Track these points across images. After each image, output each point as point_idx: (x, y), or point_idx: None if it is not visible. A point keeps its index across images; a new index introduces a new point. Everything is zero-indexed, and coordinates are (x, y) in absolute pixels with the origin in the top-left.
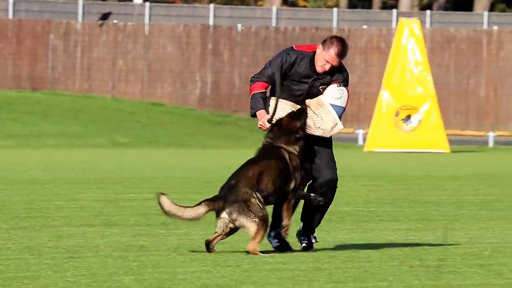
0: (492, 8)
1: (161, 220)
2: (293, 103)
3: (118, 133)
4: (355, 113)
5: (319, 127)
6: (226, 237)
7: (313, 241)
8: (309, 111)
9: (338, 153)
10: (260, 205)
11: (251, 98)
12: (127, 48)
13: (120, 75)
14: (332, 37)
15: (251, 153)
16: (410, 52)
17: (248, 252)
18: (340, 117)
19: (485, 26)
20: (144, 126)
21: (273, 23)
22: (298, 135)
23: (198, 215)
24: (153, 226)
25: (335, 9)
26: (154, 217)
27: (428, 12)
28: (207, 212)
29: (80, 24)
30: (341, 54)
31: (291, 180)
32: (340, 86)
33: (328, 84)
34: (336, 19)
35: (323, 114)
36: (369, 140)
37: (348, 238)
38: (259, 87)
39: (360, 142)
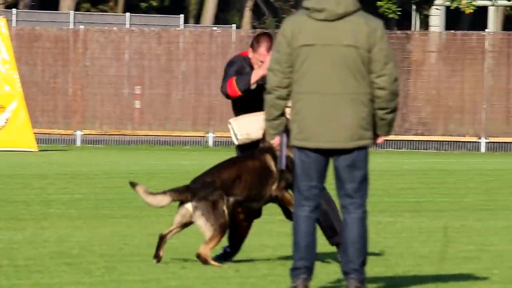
0: (77, 8)
1: None
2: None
3: None
4: None
5: None
6: (180, 230)
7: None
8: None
9: None
10: (226, 211)
11: (236, 81)
12: None
13: None
14: (256, 36)
15: None
16: None
17: (198, 256)
18: None
19: (71, 26)
20: None
21: None
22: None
23: (160, 205)
24: None
25: None
26: None
27: (14, 10)
28: (171, 201)
29: None
30: (272, 47)
31: (272, 183)
32: None
33: None
34: None
35: None
36: None
37: None
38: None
39: None
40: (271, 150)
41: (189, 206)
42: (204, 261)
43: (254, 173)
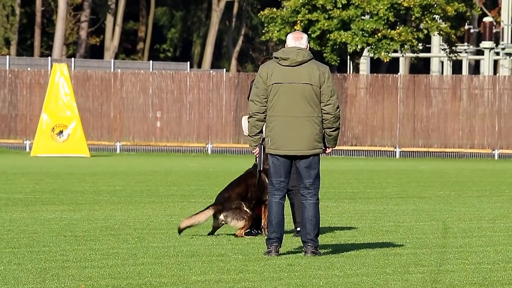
0: (116, 57)
1: None
2: None
3: None
4: (23, 129)
5: None
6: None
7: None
8: None
9: (10, 159)
10: (248, 209)
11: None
12: None
13: None
14: (263, 59)
15: None
16: (61, 86)
17: (236, 235)
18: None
19: (112, 69)
20: None
21: None
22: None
23: (209, 217)
24: None
25: (7, 56)
26: None
27: (73, 59)
28: (214, 213)
29: None
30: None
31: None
32: None
33: None
34: (8, 64)
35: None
36: (34, 148)
37: (20, 217)
38: None
39: (27, 149)
40: (265, 170)
41: (221, 217)
42: (240, 236)
43: (255, 185)
